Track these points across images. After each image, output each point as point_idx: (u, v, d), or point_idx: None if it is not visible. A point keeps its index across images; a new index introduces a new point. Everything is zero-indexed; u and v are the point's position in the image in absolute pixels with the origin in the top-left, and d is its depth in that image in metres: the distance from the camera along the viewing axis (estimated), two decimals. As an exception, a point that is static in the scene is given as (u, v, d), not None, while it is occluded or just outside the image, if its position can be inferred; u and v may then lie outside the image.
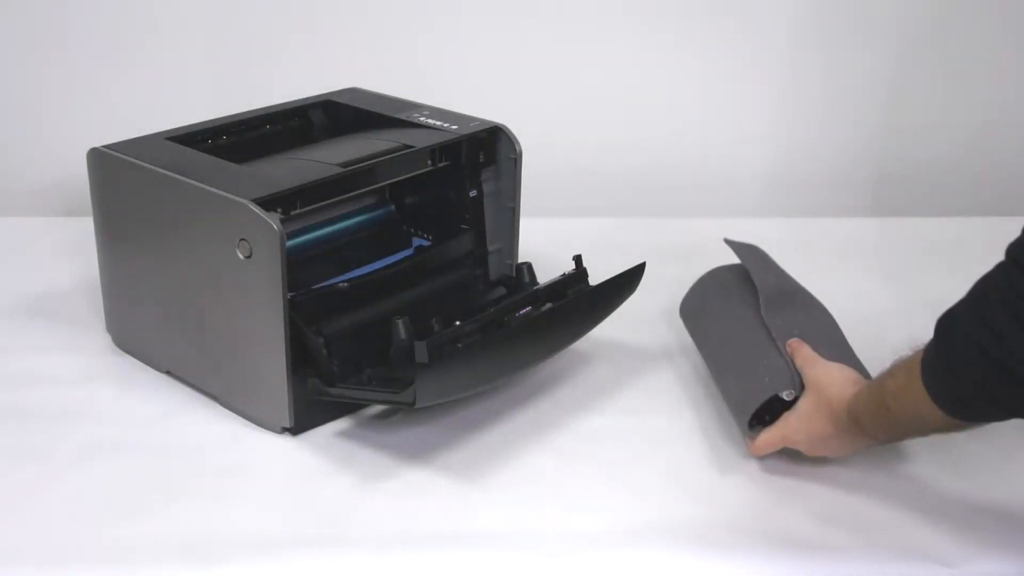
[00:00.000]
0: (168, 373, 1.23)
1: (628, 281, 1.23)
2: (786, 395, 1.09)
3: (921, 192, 1.82)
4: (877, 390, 1.00)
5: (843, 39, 1.73)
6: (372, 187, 1.29)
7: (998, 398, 0.86)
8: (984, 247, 0.94)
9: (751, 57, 1.74)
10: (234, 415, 1.16)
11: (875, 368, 1.06)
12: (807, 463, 1.10)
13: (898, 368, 0.97)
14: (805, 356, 1.11)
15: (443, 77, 1.67)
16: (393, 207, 1.39)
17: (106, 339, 1.30)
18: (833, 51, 1.74)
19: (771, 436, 1.09)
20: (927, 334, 0.92)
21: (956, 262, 1.16)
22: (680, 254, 1.49)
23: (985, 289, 0.87)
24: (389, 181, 1.26)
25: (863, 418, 1.01)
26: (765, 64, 1.74)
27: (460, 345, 1.10)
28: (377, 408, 1.18)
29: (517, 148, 1.30)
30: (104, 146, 1.20)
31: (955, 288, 0.91)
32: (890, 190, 1.83)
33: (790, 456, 1.10)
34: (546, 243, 1.42)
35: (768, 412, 1.10)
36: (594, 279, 1.24)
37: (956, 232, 1.67)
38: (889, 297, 1.47)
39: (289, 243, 1.11)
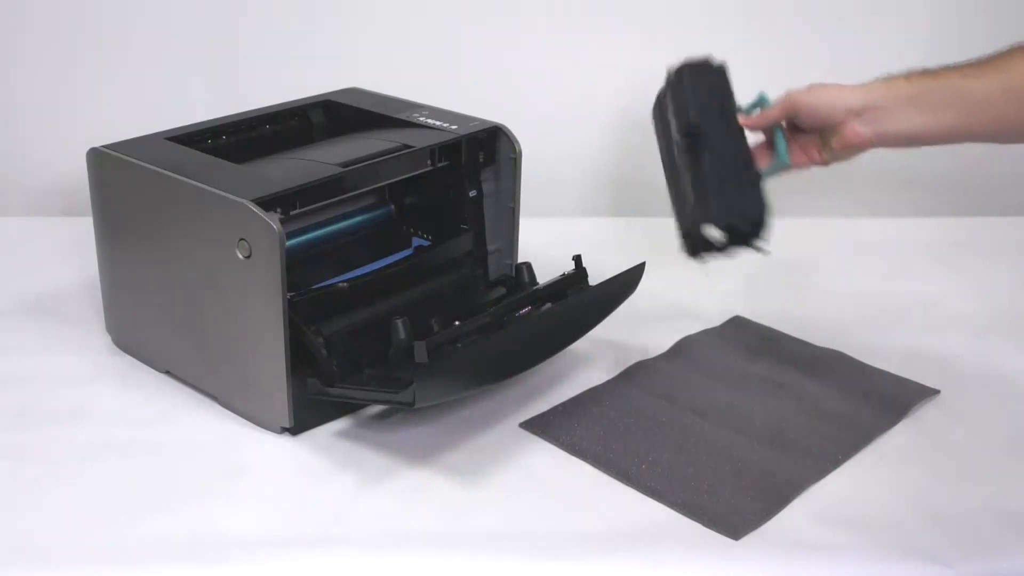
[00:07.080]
0: (168, 373, 1.23)
1: (628, 281, 1.23)
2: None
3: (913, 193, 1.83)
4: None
5: (840, 37, 1.73)
6: (372, 187, 1.29)
7: None
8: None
9: (750, 56, 1.73)
10: (234, 415, 1.16)
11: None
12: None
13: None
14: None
15: (443, 77, 1.67)
16: (393, 207, 1.39)
17: (106, 339, 1.30)
18: (832, 48, 1.74)
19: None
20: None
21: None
22: (680, 254, 1.48)
23: None
24: (389, 181, 1.26)
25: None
26: (764, 63, 1.74)
27: (459, 345, 1.10)
28: (377, 408, 1.18)
29: (517, 148, 1.30)
30: (104, 146, 1.20)
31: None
32: (891, 190, 1.83)
33: (790, 456, 1.10)
34: (546, 243, 1.42)
35: None
36: (594, 279, 1.24)
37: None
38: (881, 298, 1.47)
39: (289, 243, 1.11)
